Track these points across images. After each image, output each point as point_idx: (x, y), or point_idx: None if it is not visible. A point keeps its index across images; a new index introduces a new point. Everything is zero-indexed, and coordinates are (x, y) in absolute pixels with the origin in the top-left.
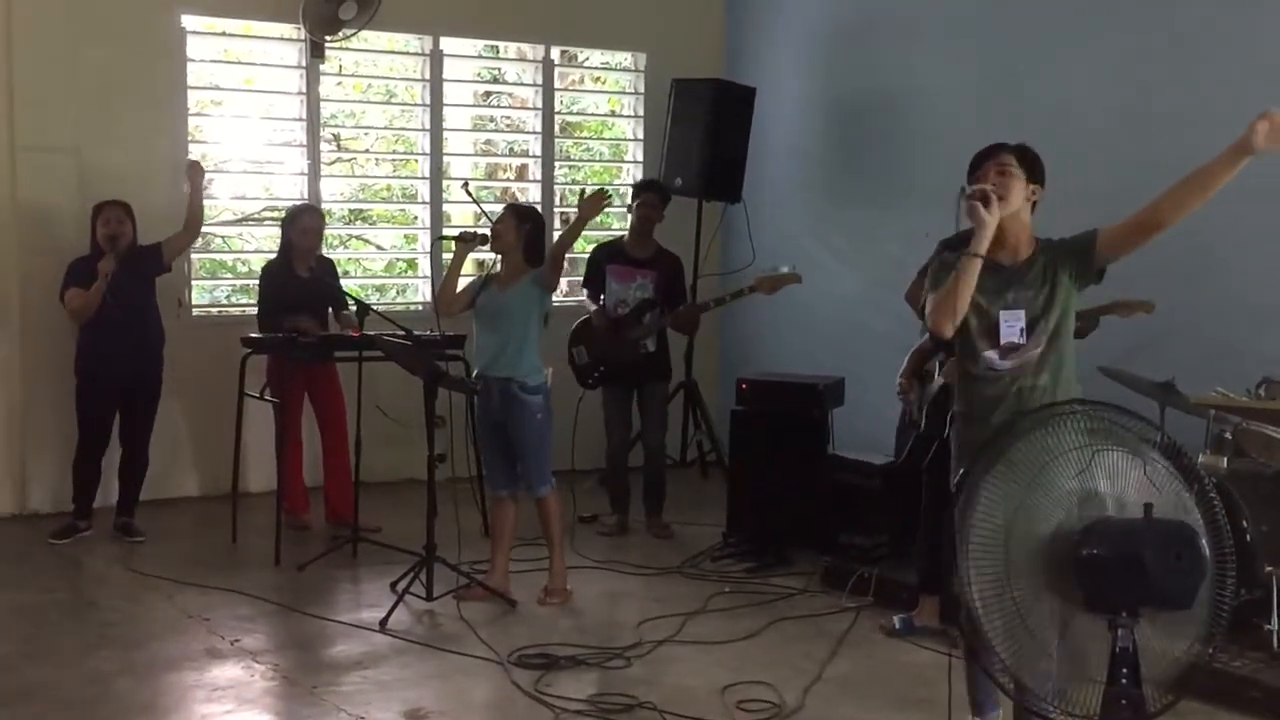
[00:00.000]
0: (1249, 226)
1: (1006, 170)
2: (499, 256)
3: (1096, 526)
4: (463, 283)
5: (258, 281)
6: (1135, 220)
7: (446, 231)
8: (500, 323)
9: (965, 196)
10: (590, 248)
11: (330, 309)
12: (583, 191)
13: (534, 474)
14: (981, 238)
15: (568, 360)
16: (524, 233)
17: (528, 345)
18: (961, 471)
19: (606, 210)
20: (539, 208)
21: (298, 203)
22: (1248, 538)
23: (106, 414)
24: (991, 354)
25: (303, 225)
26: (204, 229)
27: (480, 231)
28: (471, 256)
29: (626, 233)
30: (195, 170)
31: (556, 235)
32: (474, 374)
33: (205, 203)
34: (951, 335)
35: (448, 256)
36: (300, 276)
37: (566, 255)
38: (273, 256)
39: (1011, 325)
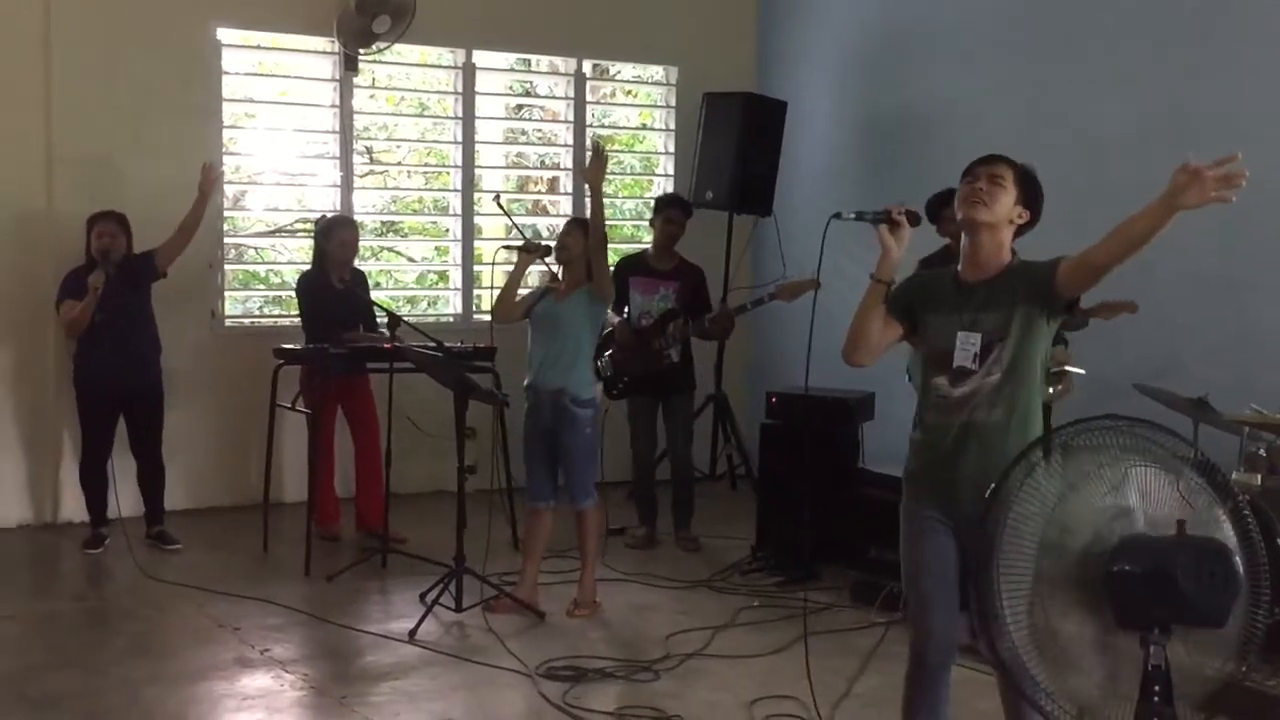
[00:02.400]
0: None
1: (999, 179)
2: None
3: (1129, 543)
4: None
5: (295, 293)
6: (1081, 260)
7: (510, 241)
8: (555, 333)
9: (870, 220)
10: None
11: (361, 325)
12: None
13: (578, 486)
14: (885, 263)
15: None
16: (589, 247)
17: (580, 357)
18: (992, 486)
19: (639, 224)
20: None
21: (333, 214)
22: None
23: (106, 423)
24: (941, 379)
25: (339, 237)
26: (238, 240)
27: (544, 243)
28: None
29: (650, 246)
30: (209, 174)
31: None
32: (525, 384)
33: (239, 214)
34: (867, 364)
35: (479, 267)
36: (335, 288)
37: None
38: (308, 268)
39: (965, 349)
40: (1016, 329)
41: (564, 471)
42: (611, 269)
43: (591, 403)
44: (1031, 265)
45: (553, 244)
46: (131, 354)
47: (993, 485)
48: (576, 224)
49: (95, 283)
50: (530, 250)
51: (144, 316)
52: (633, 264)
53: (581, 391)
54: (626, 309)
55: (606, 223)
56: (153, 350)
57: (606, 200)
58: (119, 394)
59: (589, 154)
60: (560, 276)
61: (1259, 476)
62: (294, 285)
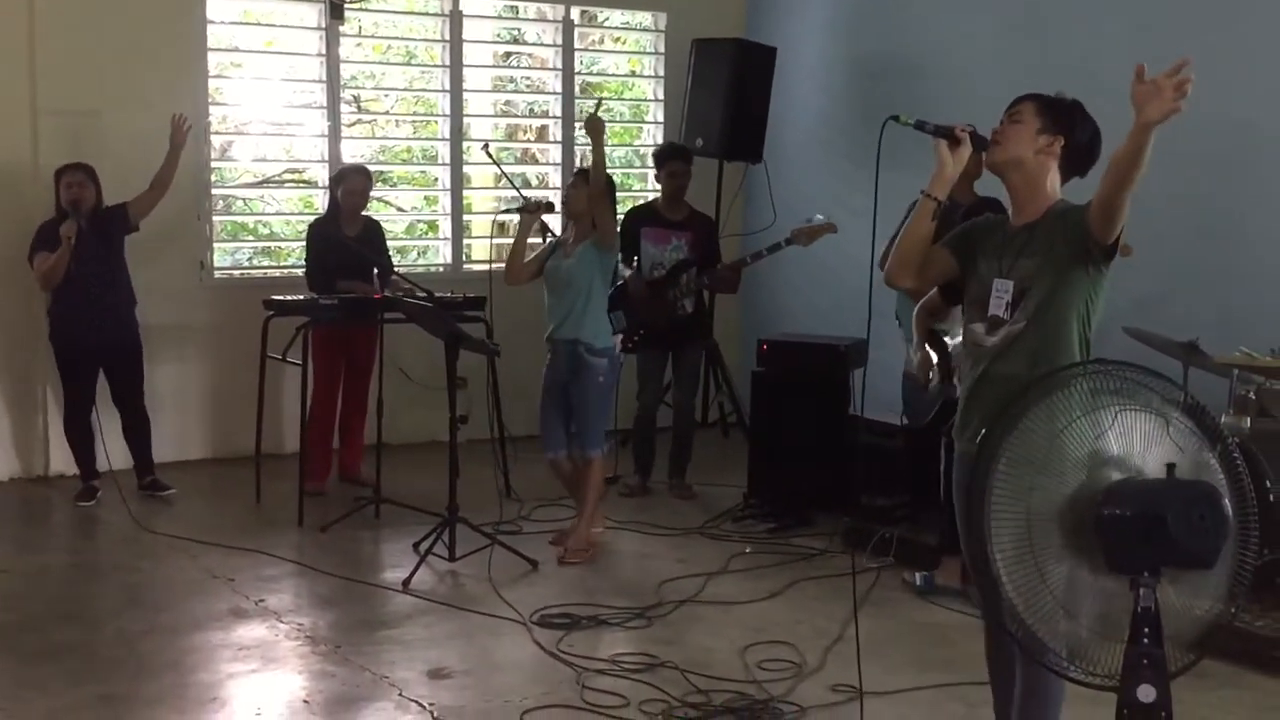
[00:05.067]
0: (1274, 184)
1: (1015, 116)
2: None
3: (1118, 487)
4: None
5: (305, 240)
6: (1093, 201)
7: (510, 205)
8: (567, 288)
9: (927, 133)
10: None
11: (376, 271)
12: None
13: (588, 436)
14: (938, 179)
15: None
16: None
17: (591, 308)
18: (983, 432)
19: (628, 172)
20: (558, 169)
21: (349, 162)
22: (1271, 498)
23: (86, 377)
24: (978, 326)
25: (349, 186)
26: (225, 191)
27: (545, 200)
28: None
29: (659, 197)
30: (179, 127)
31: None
32: (545, 337)
33: (226, 165)
34: (910, 286)
35: (469, 217)
36: (343, 237)
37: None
38: (320, 215)
39: (999, 296)
40: (1049, 276)
41: (575, 419)
42: (621, 219)
43: (606, 352)
44: (1072, 208)
45: (550, 199)
46: (106, 308)
47: (982, 431)
48: (580, 176)
49: (68, 232)
50: (530, 209)
51: (117, 270)
52: (643, 214)
53: (596, 341)
54: (637, 260)
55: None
56: (128, 304)
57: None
58: (95, 348)
59: (583, 115)
60: (564, 230)
61: (1248, 419)
62: (284, 236)
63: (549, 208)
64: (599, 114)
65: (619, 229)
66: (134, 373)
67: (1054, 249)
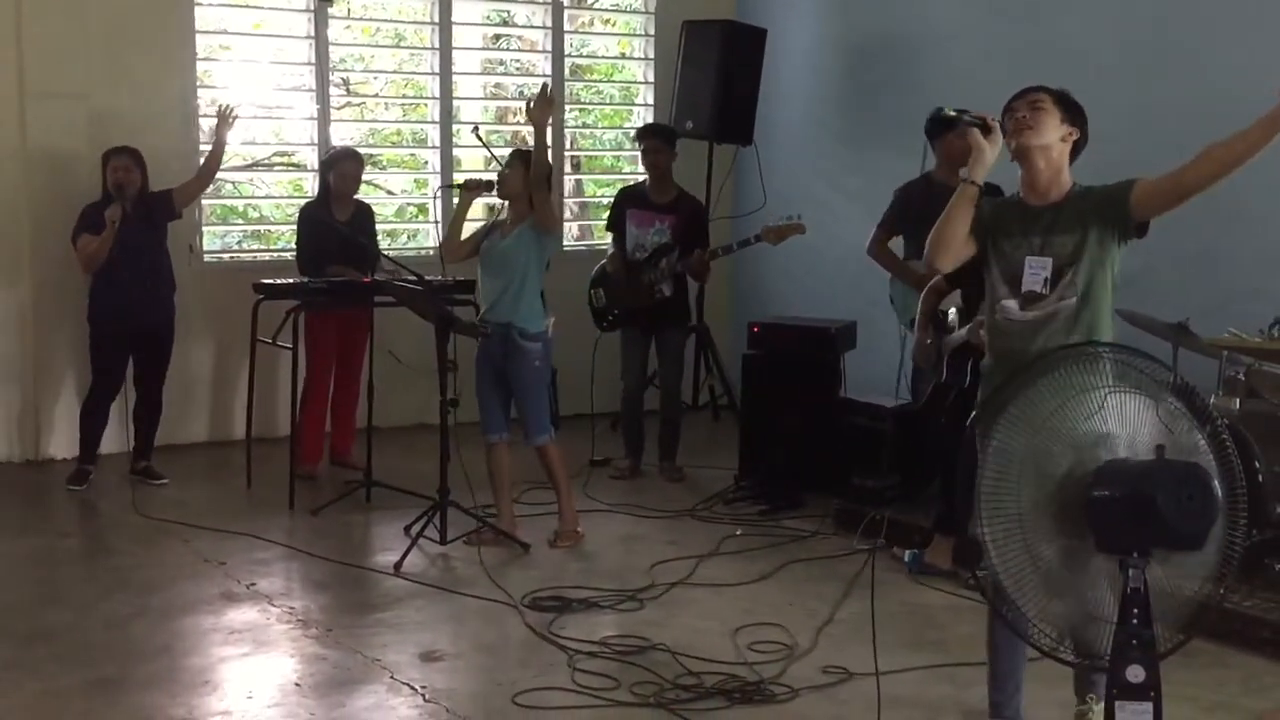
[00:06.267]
0: (1265, 167)
1: (1038, 104)
2: (506, 202)
3: (1109, 468)
4: (466, 228)
5: (296, 224)
6: (1166, 182)
7: (454, 179)
8: (502, 269)
9: (963, 122)
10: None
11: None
12: (528, 103)
13: (531, 422)
14: (978, 165)
15: (587, 302)
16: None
17: (526, 291)
18: (974, 414)
19: (618, 154)
20: (550, 152)
21: (340, 146)
22: (1259, 479)
23: (118, 361)
24: (1011, 303)
25: (341, 170)
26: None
27: (487, 178)
28: (480, 203)
29: (646, 179)
30: (225, 118)
31: (568, 181)
32: (478, 319)
33: None
34: (951, 270)
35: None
36: (334, 221)
37: (556, 191)
38: (310, 198)
39: (1035, 272)
40: (1090, 253)
41: (516, 407)
42: (612, 200)
43: (540, 336)
44: (1099, 189)
45: (492, 178)
46: (148, 290)
47: (972, 414)
48: (518, 157)
49: (113, 216)
50: (472, 187)
51: (160, 254)
52: (631, 196)
53: (529, 325)
54: (623, 241)
55: (587, 153)
56: (168, 288)
57: (587, 131)
58: (134, 330)
59: (533, 95)
60: (504, 213)
61: (1237, 400)
62: (273, 219)
63: (489, 187)
64: (545, 100)
65: (610, 208)
66: (163, 357)
67: (1090, 227)
